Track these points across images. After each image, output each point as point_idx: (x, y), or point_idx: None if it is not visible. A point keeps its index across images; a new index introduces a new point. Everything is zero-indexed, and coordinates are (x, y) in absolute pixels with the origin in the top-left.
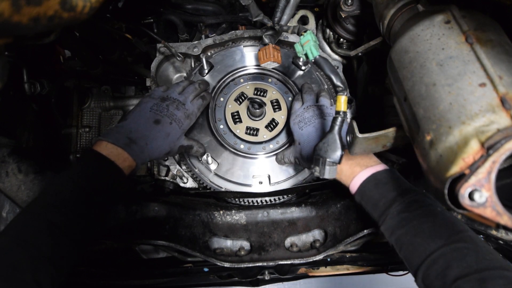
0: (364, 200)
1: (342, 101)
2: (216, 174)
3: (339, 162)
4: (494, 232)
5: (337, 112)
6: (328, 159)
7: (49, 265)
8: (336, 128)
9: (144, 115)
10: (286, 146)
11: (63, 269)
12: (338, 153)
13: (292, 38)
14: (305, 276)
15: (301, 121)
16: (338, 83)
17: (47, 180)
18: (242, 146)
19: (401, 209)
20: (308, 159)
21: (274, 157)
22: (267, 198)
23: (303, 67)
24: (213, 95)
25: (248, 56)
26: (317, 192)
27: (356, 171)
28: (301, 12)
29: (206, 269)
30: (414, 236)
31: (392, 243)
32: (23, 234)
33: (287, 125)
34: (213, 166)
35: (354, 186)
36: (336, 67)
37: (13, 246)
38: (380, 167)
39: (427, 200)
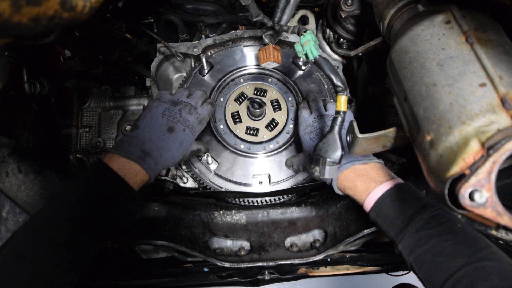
0: (380, 217)
1: (342, 101)
2: (216, 174)
3: (339, 162)
4: (494, 232)
5: (337, 112)
6: (328, 159)
7: (46, 284)
8: (336, 128)
9: (157, 122)
10: (286, 146)
11: (65, 283)
12: (338, 153)
13: (292, 38)
14: (305, 276)
15: (312, 131)
16: (338, 83)
17: (50, 186)
18: (242, 146)
19: (420, 227)
20: None
21: (274, 157)
22: (267, 198)
23: (303, 67)
24: (213, 95)
25: (248, 56)
26: (317, 192)
27: (371, 187)
28: (301, 12)
29: (206, 269)
30: (434, 255)
31: (411, 263)
32: (24, 250)
33: (287, 125)
34: (213, 166)
35: (369, 203)
36: (336, 67)
37: (12, 261)
38: (395, 181)
39: (446, 216)
